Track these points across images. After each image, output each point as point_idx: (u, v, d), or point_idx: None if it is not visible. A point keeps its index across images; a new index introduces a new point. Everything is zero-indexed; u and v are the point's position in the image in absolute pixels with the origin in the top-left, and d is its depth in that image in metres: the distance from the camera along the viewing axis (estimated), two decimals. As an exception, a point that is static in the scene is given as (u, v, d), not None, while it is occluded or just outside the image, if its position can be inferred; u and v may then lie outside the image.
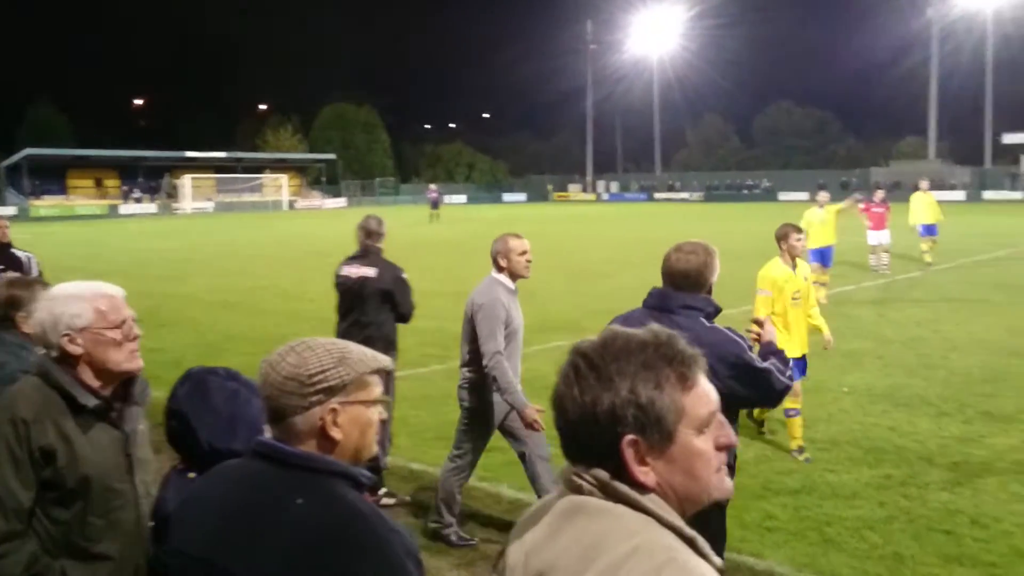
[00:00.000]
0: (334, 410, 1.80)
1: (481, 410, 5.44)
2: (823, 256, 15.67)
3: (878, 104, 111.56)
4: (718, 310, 3.71)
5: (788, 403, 6.92)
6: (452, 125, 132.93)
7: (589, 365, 1.44)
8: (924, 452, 7.09)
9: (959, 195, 70.09)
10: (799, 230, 7.17)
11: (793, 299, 7.05)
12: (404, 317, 6.70)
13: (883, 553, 5.28)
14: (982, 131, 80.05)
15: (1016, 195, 68.39)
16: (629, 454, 1.40)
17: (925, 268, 19.83)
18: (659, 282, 3.90)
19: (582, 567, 1.36)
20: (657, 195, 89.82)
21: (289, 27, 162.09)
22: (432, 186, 58.70)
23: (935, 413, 8.21)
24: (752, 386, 3.52)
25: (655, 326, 1.51)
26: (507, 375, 5.17)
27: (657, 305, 3.72)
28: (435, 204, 49.35)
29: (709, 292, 3.77)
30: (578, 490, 1.45)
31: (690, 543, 1.39)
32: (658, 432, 1.41)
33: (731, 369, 3.45)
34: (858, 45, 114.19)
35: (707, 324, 3.60)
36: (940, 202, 21.23)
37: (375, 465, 6.25)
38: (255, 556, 1.65)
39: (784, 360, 3.75)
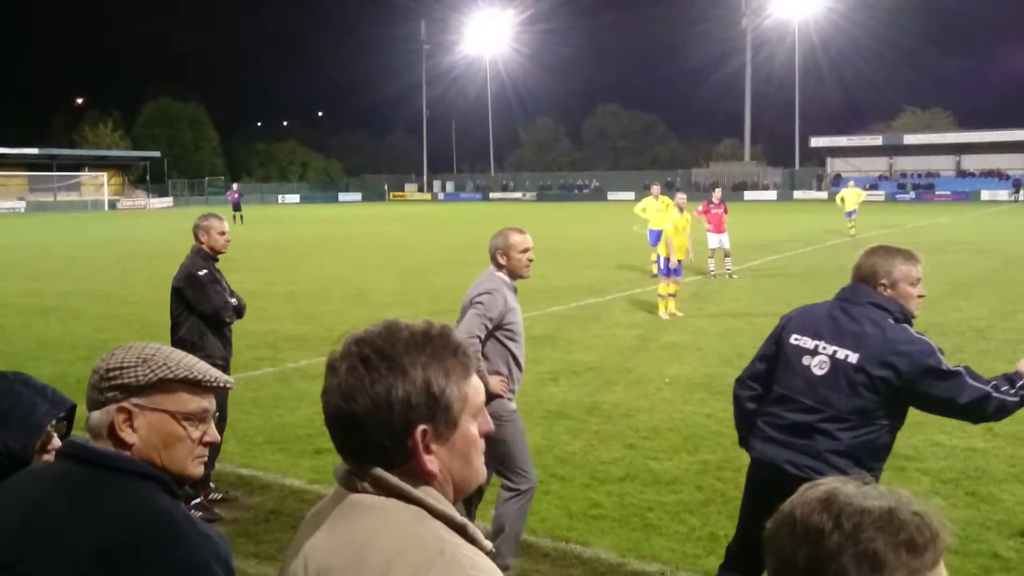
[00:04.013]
0: (127, 411, 1.75)
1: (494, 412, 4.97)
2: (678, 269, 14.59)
3: (699, 108, 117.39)
4: (909, 316, 3.70)
5: None
6: (285, 123, 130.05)
7: (380, 355, 1.42)
8: (738, 438, 7.49)
9: (771, 195, 74.53)
10: None
11: None
12: (203, 316, 6.19)
13: (700, 535, 5.57)
14: (792, 134, 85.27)
15: (822, 195, 73.21)
16: (420, 443, 1.42)
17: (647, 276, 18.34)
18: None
19: (356, 565, 1.38)
20: (492, 195, 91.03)
21: (109, 16, 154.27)
22: (234, 186, 54.50)
23: (748, 400, 8.71)
24: (936, 388, 3.50)
25: (429, 319, 1.53)
26: None
27: (847, 297, 3.79)
28: (236, 206, 45.44)
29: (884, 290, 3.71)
30: (353, 488, 1.46)
31: (460, 531, 1.42)
32: (445, 421, 1.43)
33: (913, 368, 3.49)
34: (682, 51, 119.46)
35: (894, 323, 3.63)
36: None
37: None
38: (58, 559, 1.61)
39: (1012, 383, 3.52)
